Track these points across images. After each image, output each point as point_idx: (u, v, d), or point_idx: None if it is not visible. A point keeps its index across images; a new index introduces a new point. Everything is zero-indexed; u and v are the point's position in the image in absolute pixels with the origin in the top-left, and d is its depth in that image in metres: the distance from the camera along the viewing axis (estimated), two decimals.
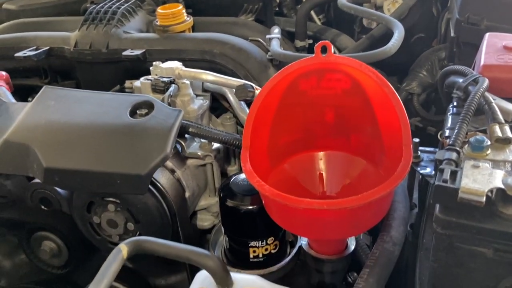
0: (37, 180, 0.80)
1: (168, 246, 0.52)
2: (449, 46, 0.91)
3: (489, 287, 0.47)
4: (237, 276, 0.53)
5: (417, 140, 0.68)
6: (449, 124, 0.62)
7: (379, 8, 1.20)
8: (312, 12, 1.41)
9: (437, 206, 0.48)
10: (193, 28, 1.05)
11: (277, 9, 1.49)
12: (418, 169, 0.68)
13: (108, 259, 0.49)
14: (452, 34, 0.88)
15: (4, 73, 0.92)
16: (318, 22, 1.41)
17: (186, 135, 0.79)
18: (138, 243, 0.52)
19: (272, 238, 0.70)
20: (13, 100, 0.84)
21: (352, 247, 0.68)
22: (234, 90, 0.81)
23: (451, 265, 0.49)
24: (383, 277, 0.54)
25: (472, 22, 0.84)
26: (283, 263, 0.70)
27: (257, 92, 0.78)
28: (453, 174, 0.48)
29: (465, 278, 0.48)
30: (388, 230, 0.58)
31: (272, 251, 0.71)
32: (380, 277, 0.54)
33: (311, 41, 1.16)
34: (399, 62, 1.17)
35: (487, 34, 0.73)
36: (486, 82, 0.59)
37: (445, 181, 0.47)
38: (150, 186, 0.69)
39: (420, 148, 0.69)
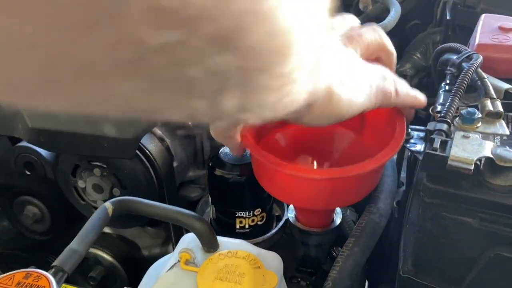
0: (21, 144, 0.79)
1: (154, 206, 0.52)
2: (444, 29, 0.91)
3: (472, 257, 0.48)
4: (223, 240, 0.53)
5: None
6: (441, 100, 0.62)
7: None
8: None
9: (425, 175, 0.48)
10: None
11: None
12: (408, 145, 0.68)
13: (92, 216, 0.49)
14: (447, 17, 0.88)
15: None
16: None
17: None
18: (124, 202, 0.51)
19: (259, 209, 0.70)
20: None
21: (338, 221, 0.68)
22: None
23: (436, 235, 0.49)
24: (369, 247, 0.55)
25: (468, 4, 0.84)
26: (269, 234, 0.70)
27: None
28: (443, 143, 0.48)
29: (449, 248, 0.48)
30: (375, 202, 0.58)
31: (259, 223, 0.71)
32: (365, 247, 0.54)
33: None
34: (394, 47, 1.16)
35: (483, 15, 0.73)
36: (480, 59, 0.59)
37: (434, 149, 0.47)
38: (138, 152, 0.69)
39: (410, 126, 0.69)
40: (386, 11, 0.89)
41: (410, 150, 0.67)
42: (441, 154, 0.46)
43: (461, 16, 0.85)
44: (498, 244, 0.46)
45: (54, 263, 0.43)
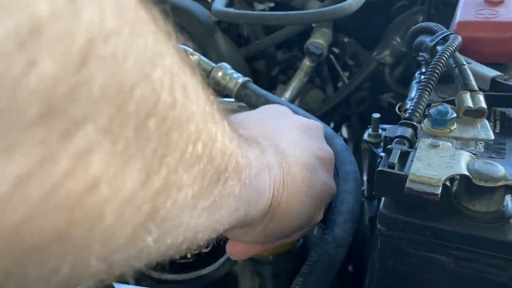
0: None
1: None
2: (427, 7, 0.78)
3: None
4: None
5: (377, 115, 0.56)
6: (412, 95, 0.50)
7: None
8: None
9: (383, 199, 0.36)
10: None
11: None
12: (379, 150, 0.56)
13: None
14: None
15: None
16: None
17: None
18: None
19: None
20: None
21: (297, 244, 0.56)
22: None
23: (402, 276, 0.37)
24: (322, 287, 0.43)
25: None
26: (215, 265, 0.59)
27: (192, 58, 0.65)
28: (403, 156, 0.35)
29: None
30: (331, 227, 0.46)
31: (204, 250, 0.59)
32: (317, 287, 0.42)
33: (272, 4, 1.02)
34: (379, 34, 1.03)
35: None
36: (458, 40, 0.46)
37: (391, 165, 0.34)
38: None
39: (381, 126, 0.56)
40: None
41: (380, 157, 0.55)
42: (399, 173, 0.33)
43: None
44: None
45: None
